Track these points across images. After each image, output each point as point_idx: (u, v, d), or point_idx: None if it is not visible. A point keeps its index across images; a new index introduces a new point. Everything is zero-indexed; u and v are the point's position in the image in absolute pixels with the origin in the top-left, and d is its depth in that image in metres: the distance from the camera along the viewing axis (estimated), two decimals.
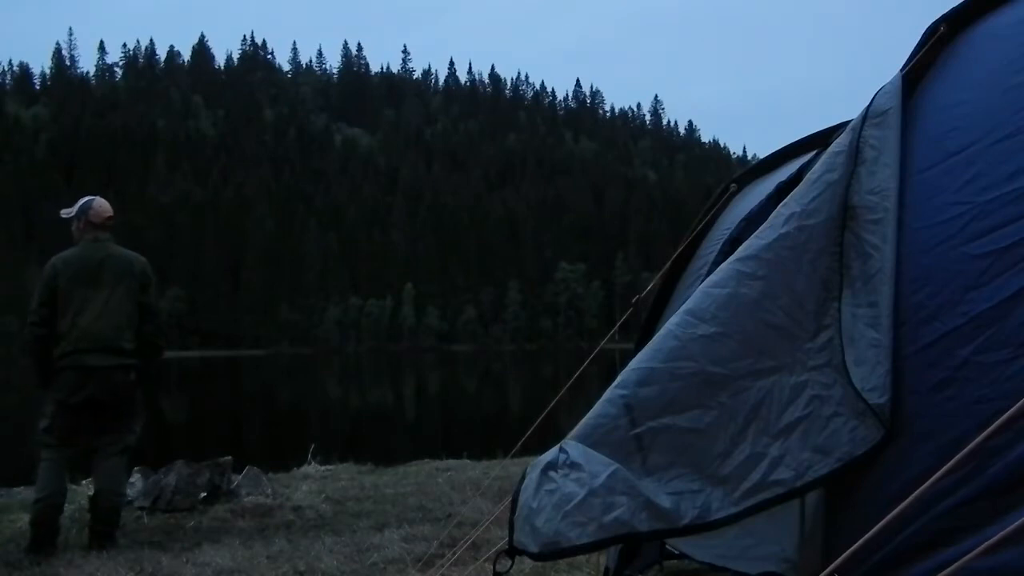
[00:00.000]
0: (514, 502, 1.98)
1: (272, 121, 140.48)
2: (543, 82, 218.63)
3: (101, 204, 4.86)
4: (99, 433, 4.65)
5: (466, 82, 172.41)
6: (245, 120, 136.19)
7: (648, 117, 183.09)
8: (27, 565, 4.13)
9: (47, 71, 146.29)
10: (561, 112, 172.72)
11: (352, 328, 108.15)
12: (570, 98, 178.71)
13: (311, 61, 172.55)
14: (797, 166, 2.66)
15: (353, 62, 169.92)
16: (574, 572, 3.58)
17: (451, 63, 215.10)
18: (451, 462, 7.65)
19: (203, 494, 5.34)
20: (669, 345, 2.02)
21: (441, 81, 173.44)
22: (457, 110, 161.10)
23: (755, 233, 2.10)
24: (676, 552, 3.43)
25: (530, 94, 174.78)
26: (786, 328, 1.98)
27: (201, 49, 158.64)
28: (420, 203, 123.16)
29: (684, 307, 2.07)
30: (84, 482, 6.42)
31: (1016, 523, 1.48)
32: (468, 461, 7.71)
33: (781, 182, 2.62)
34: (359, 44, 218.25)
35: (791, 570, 2.78)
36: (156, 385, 4.70)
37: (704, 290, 2.06)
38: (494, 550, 2.61)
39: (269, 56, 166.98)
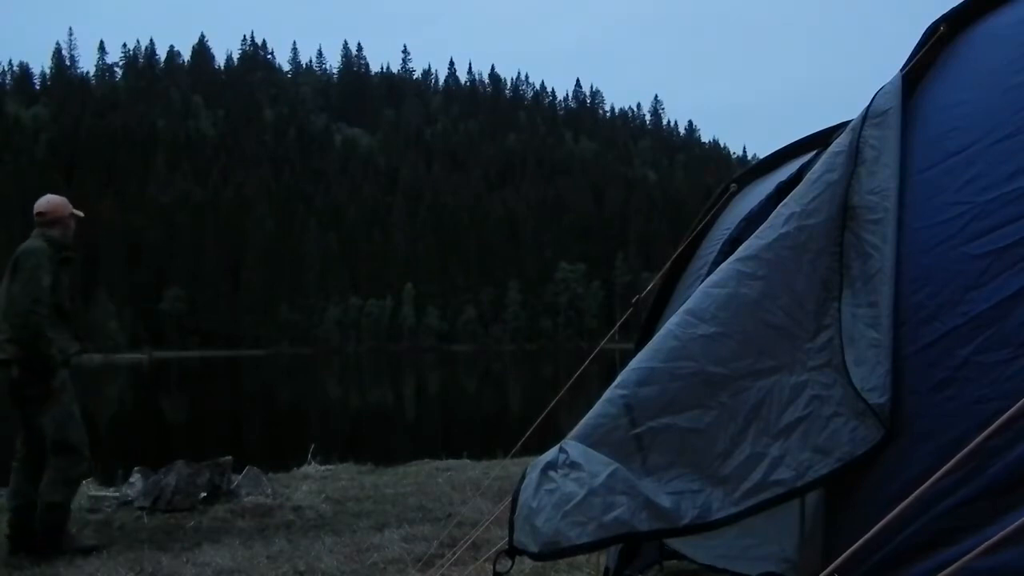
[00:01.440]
0: (514, 502, 1.98)
1: (272, 121, 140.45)
2: (543, 82, 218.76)
3: (37, 201, 4.86)
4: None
5: (466, 82, 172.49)
6: (245, 120, 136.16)
7: (648, 117, 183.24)
8: (27, 565, 4.13)
9: (47, 71, 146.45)
10: (561, 112, 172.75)
11: (352, 328, 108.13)
12: (570, 98, 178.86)
13: (311, 61, 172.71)
14: (797, 166, 2.66)
15: (353, 62, 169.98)
16: (574, 572, 3.58)
17: (451, 63, 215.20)
18: (451, 462, 7.65)
19: (203, 494, 5.33)
20: (669, 345, 2.02)
21: (441, 81, 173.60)
22: (457, 110, 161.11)
23: (755, 233, 2.10)
24: (676, 552, 3.43)
25: (530, 94, 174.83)
26: (786, 328, 1.98)
27: (201, 49, 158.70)
28: (420, 203, 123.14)
29: (684, 307, 2.07)
30: (84, 482, 6.42)
31: (1016, 523, 1.48)
32: (468, 461, 7.70)
33: (781, 182, 2.62)
34: (359, 44, 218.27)
35: (791, 570, 2.78)
36: (43, 386, 4.18)
37: (704, 290, 2.06)
38: (494, 550, 2.61)
39: (269, 56, 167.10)
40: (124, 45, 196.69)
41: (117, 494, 5.47)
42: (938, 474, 1.61)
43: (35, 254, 4.54)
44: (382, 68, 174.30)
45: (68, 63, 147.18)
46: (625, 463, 1.95)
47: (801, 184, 2.13)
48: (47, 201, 4.83)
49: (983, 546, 1.52)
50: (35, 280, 4.44)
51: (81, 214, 4.99)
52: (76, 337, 4.85)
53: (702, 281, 2.26)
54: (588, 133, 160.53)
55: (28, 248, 4.58)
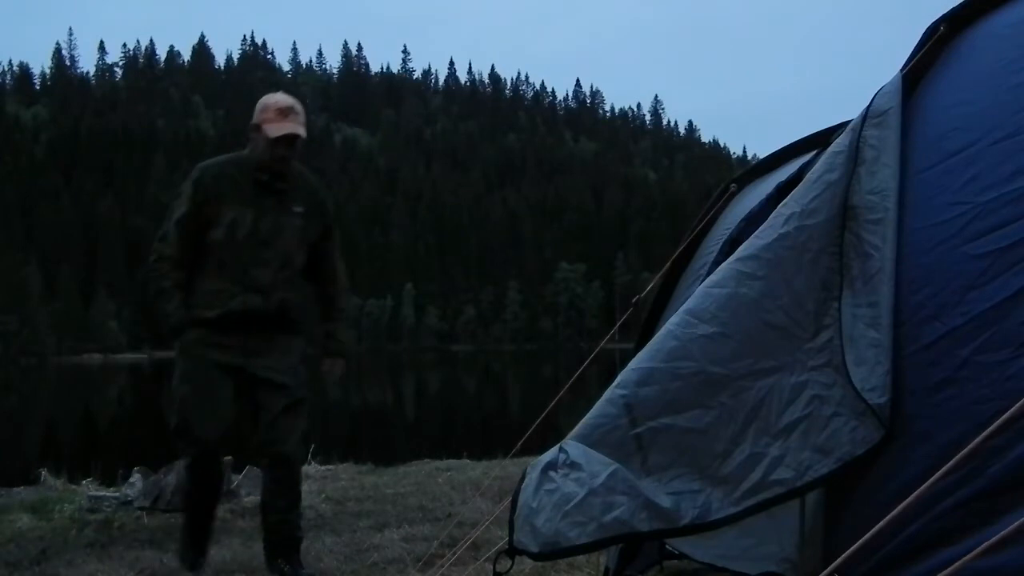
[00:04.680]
0: (514, 502, 1.98)
1: None
2: (543, 82, 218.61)
3: None
4: None
5: (466, 82, 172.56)
6: (245, 120, 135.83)
7: (648, 117, 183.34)
8: (27, 565, 4.13)
9: (47, 71, 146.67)
10: (561, 112, 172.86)
11: (352, 328, 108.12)
12: (570, 98, 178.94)
13: (311, 61, 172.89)
14: (797, 166, 2.66)
15: (353, 62, 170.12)
16: (574, 572, 3.58)
17: (451, 63, 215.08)
18: (451, 462, 7.64)
19: None
20: (669, 345, 2.02)
21: (441, 81, 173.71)
22: (457, 110, 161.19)
23: (755, 233, 2.10)
24: (676, 552, 3.43)
25: (530, 94, 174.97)
26: (786, 328, 1.98)
27: (201, 49, 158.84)
28: (420, 203, 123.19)
29: (684, 307, 2.07)
30: (84, 482, 6.42)
31: (1016, 523, 1.48)
32: (468, 461, 7.70)
33: (781, 182, 2.62)
34: (359, 44, 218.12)
35: (791, 570, 2.78)
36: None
37: (704, 290, 2.06)
38: (494, 550, 2.62)
39: (269, 56, 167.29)
40: (124, 45, 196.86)
41: (117, 494, 5.46)
42: (938, 474, 1.61)
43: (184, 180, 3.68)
44: (382, 68, 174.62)
45: (68, 63, 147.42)
46: (625, 463, 1.95)
47: (801, 184, 2.12)
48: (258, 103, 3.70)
49: (983, 546, 1.52)
50: (167, 215, 3.64)
51: (280, 133, 3.53)
52: (243, 291, 3.52)
53: (702, 281, 2.26)
54: (588, 133, 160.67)
55: None
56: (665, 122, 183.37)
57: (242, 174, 3.61)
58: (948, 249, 1.84)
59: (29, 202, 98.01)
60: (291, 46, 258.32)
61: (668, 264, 3.48)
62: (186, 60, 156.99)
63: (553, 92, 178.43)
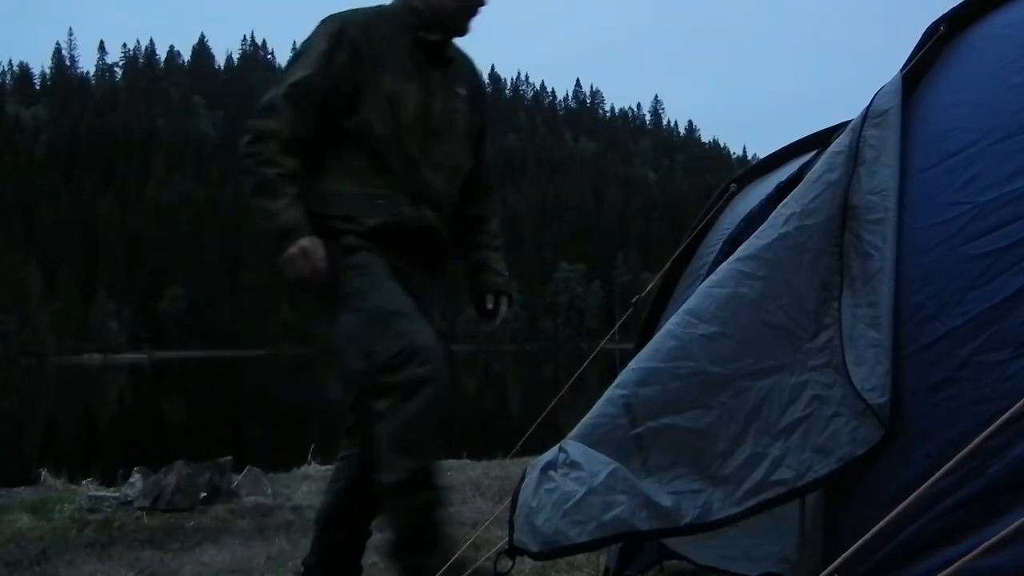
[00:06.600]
0: (514, 502, 1.98)
1: None
2: (543, 82, 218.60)
3: None
4: None
5: None
6: (245, 120, 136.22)
7: (648, 117, 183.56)
8: (27, 565, 4.13)
9: (47, 71, 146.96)
10: (561, 112, 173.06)
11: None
12: (570, 98, 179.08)
13: None
14: (797, 166, 2.66)
15: None
16: (574, 572, 3.58)
17: None
18: (451, 462, 7.62)
19: (203, 494, 5.33)
20: (669, 345, 2.02)
21: None
22: None
23: (755, 233, 2.10)
24: (676, 552, 3.43)
25: (530, 94, 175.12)
26: (786, 328, 1.98)
27: (201, 49, 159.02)
28: None
29: (684, 307, 2.07)
30: (84, 482, 6.42)
31: (1016, 523, 1.48)
32: (468, 461, 7.69)
33: (781, 182, 2.62)
34: None
35: (791, 570, 2.78)
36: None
37: (704, 290, 2.06)
38: (494, 550, 2.61)
39: (269, 56, 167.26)
40: (124, 45, 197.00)
41: (117, 494, 5.46)
42: (938, 474, 1.61)
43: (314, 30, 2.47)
44: None
45: (68, 63, 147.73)
46: (625, 463, 1.95)
47: (801, 184, 2.12)
48: None
49: (983, 546, 1.52)
50: (280, 74, 2.53)
51: None
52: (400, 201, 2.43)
53: (702, 281, 2.26)
54: (588, 133, 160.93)
55: None
56: (665, 122, 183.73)
57: (399, 32, 2.44)
58: (948, 249, 1.84)
59: (29, 202, 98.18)
60: (291, 46, 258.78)
61: (668, 264, 3.47)
62: (186, 60, 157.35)
63: (553, 92, 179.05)
